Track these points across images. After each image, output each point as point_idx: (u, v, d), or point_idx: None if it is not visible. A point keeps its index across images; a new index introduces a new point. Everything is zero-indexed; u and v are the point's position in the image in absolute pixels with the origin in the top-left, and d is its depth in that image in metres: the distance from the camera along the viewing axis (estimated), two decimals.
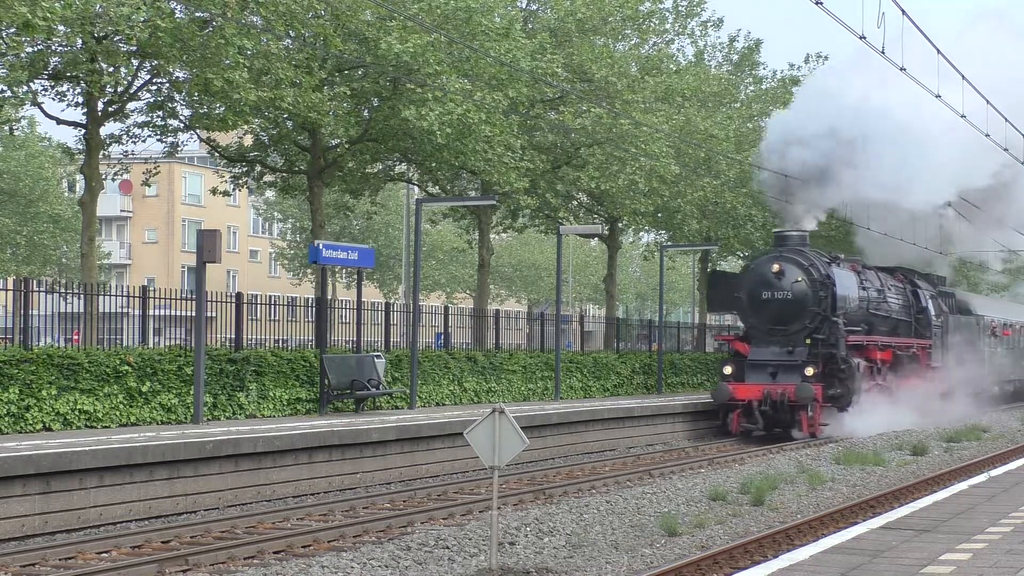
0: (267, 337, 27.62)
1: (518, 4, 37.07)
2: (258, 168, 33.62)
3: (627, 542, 16.48)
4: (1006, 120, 31.34)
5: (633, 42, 41.52)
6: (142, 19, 23.47)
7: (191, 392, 22.45)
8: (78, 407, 20.65)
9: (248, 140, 33.73)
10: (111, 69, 25.30)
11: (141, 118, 28.42)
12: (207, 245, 22.59)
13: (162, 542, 16.14)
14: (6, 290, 23.45)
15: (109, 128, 27.85)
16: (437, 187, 37.84)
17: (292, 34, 27.48)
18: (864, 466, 25.60)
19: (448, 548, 15.56)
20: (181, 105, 28.58)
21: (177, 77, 26.86)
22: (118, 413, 21.38)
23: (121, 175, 30.65)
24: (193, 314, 23.24)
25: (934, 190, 38.47)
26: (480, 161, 30.93)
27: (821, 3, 18.50)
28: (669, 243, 47.47)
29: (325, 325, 26.98)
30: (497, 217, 41.03)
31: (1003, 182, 42.03)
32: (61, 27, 23.17)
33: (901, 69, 23.00)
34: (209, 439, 19.21)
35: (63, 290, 23.25)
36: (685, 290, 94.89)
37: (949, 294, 44.80)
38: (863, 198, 37.22)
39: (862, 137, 36.07)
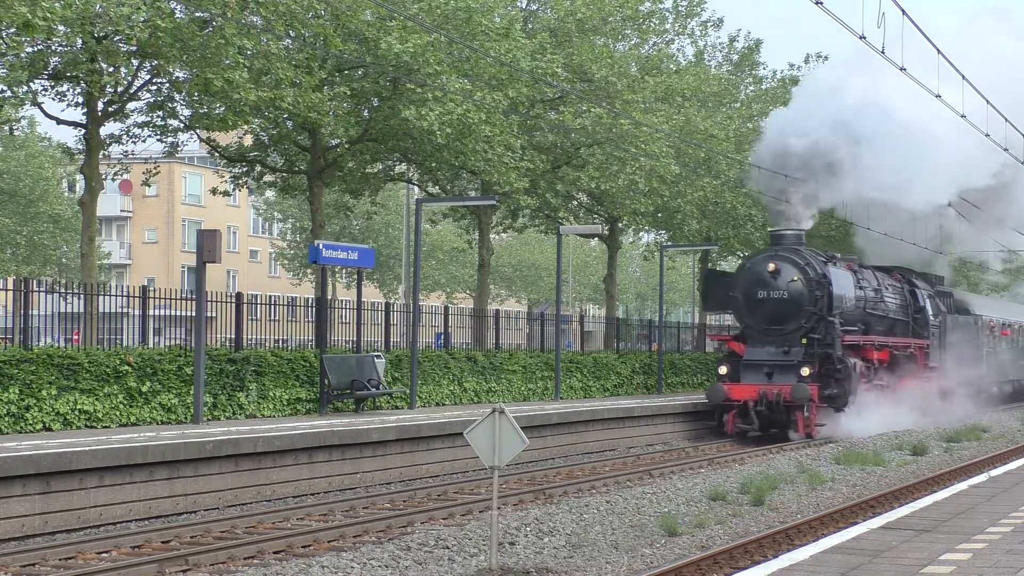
0: (267, 337, 27.62)
1: (518, 4, 37.07)
2: (258, 168, 33.63)
3: (627, 542, 16.48)
4: (1006, 120, 31.34)
5: (633, 42, 41.53)
6: (142, 19, 23.48)
7: (191, 392, 22.46)
8: (78, 407, 20.65)
9: (248, 140, 33.74)
10: (111, 69, 25.30)
11: (141, 118, 28.44)
12: (207, 245, 22.59)
13: (162, 542, 16.14)
14: (6, 290, 23.45)
15: (109, 128, 27.92)
16: (437, 187, 37.85)
17: (292, 34, 27.49)
18: (864, 466, 25.59)
19: (448, 548, 15.56)
20: (181, 105, 28.59)
21: (177, 77, 26.86)
22: (118, 413, 21.38)
23: (121, 175, 30.66)
24: (193, 314, 23.24)
25: (934, 190, 38.43)
26: (480, 161, 30.93)
27: (821, 3, 18.51)
28: (669, 243, 47.46)
29: (325, 325, 26.98)
30: (497, 217, 41.04)
31: (1003, 182, 42.02)
32: (61, 27, 23.17)
33: (901, 69, 23.00)
34: (209, 439, 19.21)
35: (63, 290, 23.25)
36: (685, 290, 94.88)
37: (947, 294, 44.70)
38: (863, 197, 37.19)
39: (862, 136, 36.01)
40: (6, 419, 19.55)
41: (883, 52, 21.05)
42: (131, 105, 27.61)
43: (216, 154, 33.17)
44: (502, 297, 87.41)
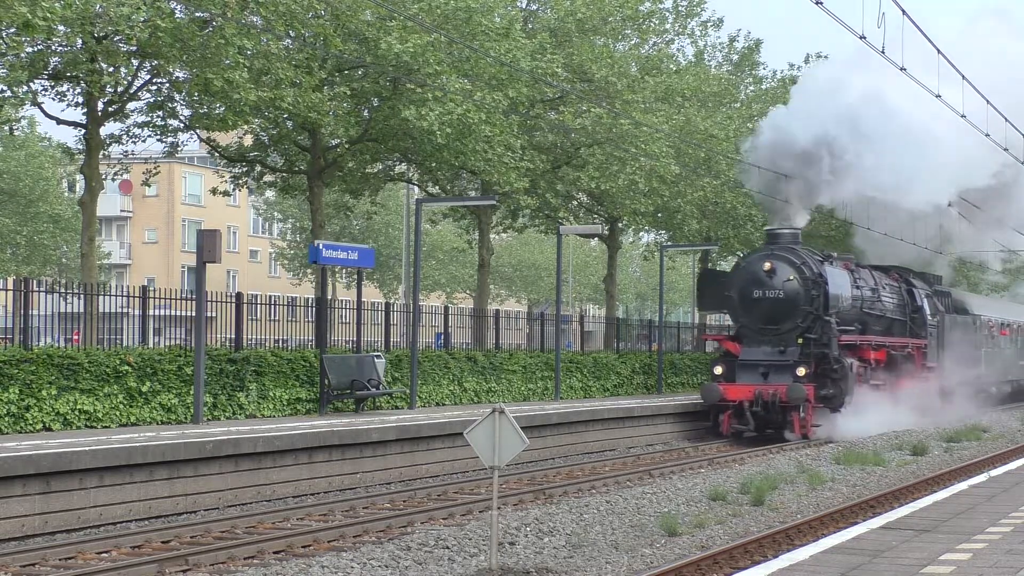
0: (267, 337, 27.63)
1: (518, 4, 37.08)
2: (258, 168, 33.63)
3: (627, 542, 16.48)
4: (1006, 120, 31.33)
5: (633, 42, 41.53)
6: (142, 19, 23.48)
7: (191, 392, 22.46)
8: (78, 407, 20.65)
9: (248, 140, 33.74)
10: (111, 69, 25.31)
11: (141, 118, 28.44)
12: (207, 245, 22.59)
13: (162, 542, 16.14)
14: (6, 290, 23.46)
15: (109, 128, 27.91)
16: (437, 187, 37.85)
17: (292, 34, 27.49)
18: (864, 466, 25.59)
19: (448, 548, 15.57)
20: (181, 105, 28.59)
21: (177, 77, 26.87)
22: (118, 413, 21.38)
23: (121, 175, 30.66)
24: (193, 314, 23.24)
25: (934, 190, 38.37)
26: (480, 161, 30.94)
27: (821, 3, 18.50)
28: (669, 243, 47.45)
29: (325, 325, 26.98)
30: (497, 217, 41.04)
31: (1003, 182, 42.00)
32: (61, 27, 23.17)
33: (901, 69, 23.00)
34: (209, 439, 19.21)
35: (63, 290, 23.25)
36: (685, 290, 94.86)
37: (945, 293, 44.63)
38: (863, 197, 37.14)
39: (862, 134, 35.95)
40: (6, 419, 19.55)
41: (883, 52, 21.05)
42: (131, 105, 27.64)
43: (216, 154, 33.17)
44: (502, 297, 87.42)
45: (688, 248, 50.36)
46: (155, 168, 30.99)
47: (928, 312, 40.54)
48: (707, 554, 14.92)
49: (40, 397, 20.05)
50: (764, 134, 36.97)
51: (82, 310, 23.72)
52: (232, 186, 34.46)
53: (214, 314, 25.51)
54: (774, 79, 51.80)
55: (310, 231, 35.34)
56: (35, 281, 24.95)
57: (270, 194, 69.03)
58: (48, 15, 21.05)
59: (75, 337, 25.80)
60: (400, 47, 28.04)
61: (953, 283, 54.24)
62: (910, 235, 40.64)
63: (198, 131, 30.09)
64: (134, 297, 24.05)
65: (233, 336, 24.99)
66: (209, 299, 23.98)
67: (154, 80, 27.11)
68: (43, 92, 26.22)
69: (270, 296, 35.32)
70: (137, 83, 26.85)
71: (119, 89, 26.38)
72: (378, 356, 27.36)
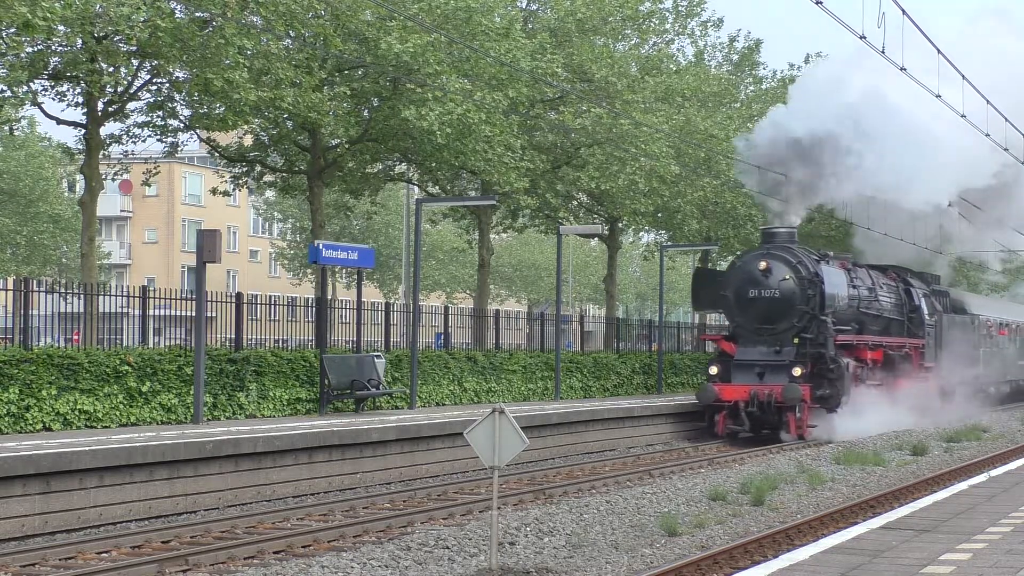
0: (267, 337, 27.63)
1: (518, 4, 37.09)
2: (258, 168, 33.64)
3: (627, 542, 16.48)
4: (1006, 120, 31.33)
5: (633, 42, 41.55)
6: (142, 19, 23.48)
7: (191, 392, 22.46)
8: (78, 407, 20.65)
9: (248, 140, 33.75)
10: (111, 69, 25.31)
11: (141, 118, 28.45)
12: (207, 245, 22.59)
13: (162, 542, 16.14)
14: (6, 290, 23.45)
15: (109, 128, 27.92)
16: (437, 187, 37.86)
17: (292, 34, 27.49)
18: (864, 466, 25.58)
19: (448, 548, 15.57)
20: (181, 105, 28.60)
21: (177, 77, 26.87)
22: (118, 413, 21.38)
23: (121, 175, 30.67)
24: (193, 314, 23.24)
25: (934, 190, 38.33)
26: (480, 161, 30.94)
27: (821, 3, 18.51)
28: (669, 243, 47.46)
29: (325, 325, 26.98)
30: (497, 217, 41.05)
31: (1003, 182, 41.97)
32: (61, 27, 23.18)
33: (901, 69, 23.00)
34: (209, 439, 19.21)
35: (63, 290, 23.25)
36: (685, 290, 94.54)
37: (943, 293, 44.53)
38: (862, 197, 37.10)
39: (863, 133, 35.92)
40: (6, 419, 19.55)
41: (883, 52, 21.06)
42: (131, 105, 27.65)
43: (216, 154, 33.18)
44: (502, 297, 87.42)
45: (688, 248, 50.35)
46: (155, 168, 30.99)
47: (926, 312, 40.41)
48: (707, 554, 14.93)
49: (40, 397, 20.05)
50: (762, 131, 36.93)
51: (82, 310, 23.72)
52: (232, 186, 34.46)
53: (214, 314, 25.51)
54: (774, 79, 51.83)
55: (310, 231, 35.35)
56: (35, 281, 24.95)
57: (270, 194, 69.05)
58: (48, 15, 21.06)
59: (75, 337, 25.81)
60: (400, 47, 28.05)
61: (953, 283, 54.21)
62: (910, 235, 40.60)
63: (198, 131, 30.10)
64: (134, 297, 24.05)
65: (233, 336, 25.00)
66: (209, 299, 23.99)
67: (154, 80, 27.12)
68: (43, 92, 26.25)
69: (270, 296, 35.32)
70: (137, 83, 26.87)
71: (119, 89, 26.39)
72: (378, 356, 27.36)
